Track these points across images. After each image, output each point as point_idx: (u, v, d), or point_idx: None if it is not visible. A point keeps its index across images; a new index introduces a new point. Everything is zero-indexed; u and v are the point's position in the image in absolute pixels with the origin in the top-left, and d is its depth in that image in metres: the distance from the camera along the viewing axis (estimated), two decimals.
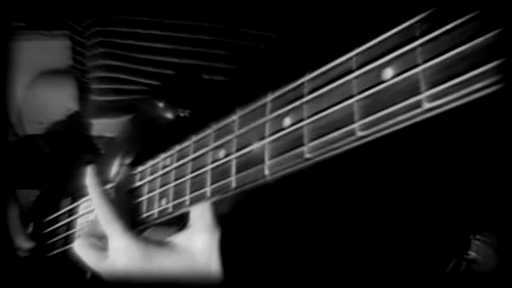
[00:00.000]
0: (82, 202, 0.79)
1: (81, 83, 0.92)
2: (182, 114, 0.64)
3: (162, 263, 0.56)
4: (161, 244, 0.58)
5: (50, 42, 0.94)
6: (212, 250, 0.53)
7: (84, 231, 0.68)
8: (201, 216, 0.55)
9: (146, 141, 0.68)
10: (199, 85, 0.68)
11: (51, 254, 0.86)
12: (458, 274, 0.57)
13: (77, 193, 0.81)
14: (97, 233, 0.64)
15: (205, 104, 0.63)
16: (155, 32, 0.73)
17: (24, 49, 0.91)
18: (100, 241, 0.64)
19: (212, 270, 0.53)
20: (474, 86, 0.27)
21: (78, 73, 0.92)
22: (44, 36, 0.96)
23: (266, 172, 0.41)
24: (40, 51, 0.95)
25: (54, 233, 0.87)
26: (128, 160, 0.69)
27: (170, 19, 0.71)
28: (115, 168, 0.73)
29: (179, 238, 0.57)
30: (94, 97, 0.82)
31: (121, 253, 0.58)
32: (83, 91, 0.91)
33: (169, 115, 0.64)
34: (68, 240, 0.82)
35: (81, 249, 0.64)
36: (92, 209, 0.73)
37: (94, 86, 0.81)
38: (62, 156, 0.92)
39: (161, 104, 0.65)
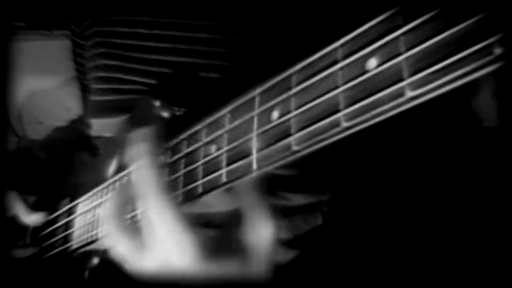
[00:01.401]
0: (81, 202, 0.79)
1: (82, 84, 0.93)
2: (177, 113, 0.64)
3: (225, 265, 0.48)
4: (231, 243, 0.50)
5: (50, 42, 0.95)
6: (268, 241, 0.49)
7: (116, 213, 0.56)
8: (256, 207, 0.50)
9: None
10: (194, 84, 0.68)
11: (50, 254, 0.86)
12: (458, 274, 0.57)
13: (76, 193, 0.81)
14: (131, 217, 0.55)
15: (200, 102, 0.63)
16: (153, 32, 0.73)
17: (24, 49, 0.92)
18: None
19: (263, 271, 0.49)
20: (456, 72, 0.27)
21: (79, 75, 0.93)
22: (44, 36, 0.96)
23: (254, 166, 0.41)
24: (40, 51, 0.96)
25: (53, 233, 0.87)
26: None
27: (167, 18, 0.72)
28: (112, 168, 0.73)
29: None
30: (93, 97, 0.82)
31: (180, 246, 0.48)
32: (84, 92, 0.92)
33: (165, 114, 0.65)
34: (67, 239, 0.82)
35: (117, 233, 0.53)
36: (99, 203, 0.72)
37: (94, 86, 0.82)
38: (60, 160, 0.93)
39: (157, 103, 0.65)
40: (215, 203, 0.54)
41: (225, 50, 0.68)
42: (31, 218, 0.90)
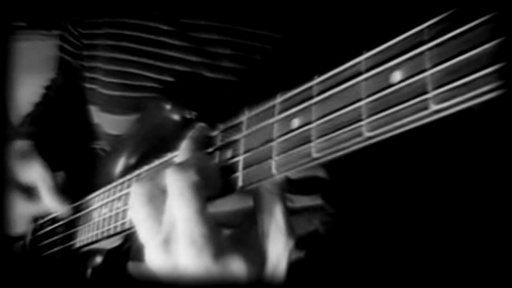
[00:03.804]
0: (96, 196, 0.76)
1: (72, 67, 0.91)
2: (189, 116, 0.63)
3: (235, 267, 0.46)
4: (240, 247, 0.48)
5: (50, 42, 0.94)
6: (283, 257, 0.48)
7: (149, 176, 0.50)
8: (275, 222, 0.49)
9: (153, 142, 0.68)
10: (207, 87, 0.68)
11: (50, 252, 0.86)
12: None
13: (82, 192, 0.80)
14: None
15: (213, 105, 0.63)
16: (163, 27, 0.73)
17: (24, 49, 0.91)
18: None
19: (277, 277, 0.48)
20: (480, 89, 0.28)
21: (69, 57, 0.91)
22: (44, 36, 0.96)
23: (273, 171, 0.42)
24: (40, 51, 0.96)
25: (54, 232, 0.87)
26: (133, 160, 0.70)
27: (179, 17, 0.71)
28: (120, 167, 0.73)
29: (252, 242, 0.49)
30: (102, 90, 0.80)
31: (194, 243, 0.44)
32: (73, 76, 0.90)
33: (176, 117, 0.64)
34: (69, 238, 0.82)
35: (141, 198, 0.47)
36: (106, 203, 0.71)
37: (103, 78, 0.79)
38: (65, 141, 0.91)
39: (168, 106, 0.65)
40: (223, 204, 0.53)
41: (236, 52, 0.68)
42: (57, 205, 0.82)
